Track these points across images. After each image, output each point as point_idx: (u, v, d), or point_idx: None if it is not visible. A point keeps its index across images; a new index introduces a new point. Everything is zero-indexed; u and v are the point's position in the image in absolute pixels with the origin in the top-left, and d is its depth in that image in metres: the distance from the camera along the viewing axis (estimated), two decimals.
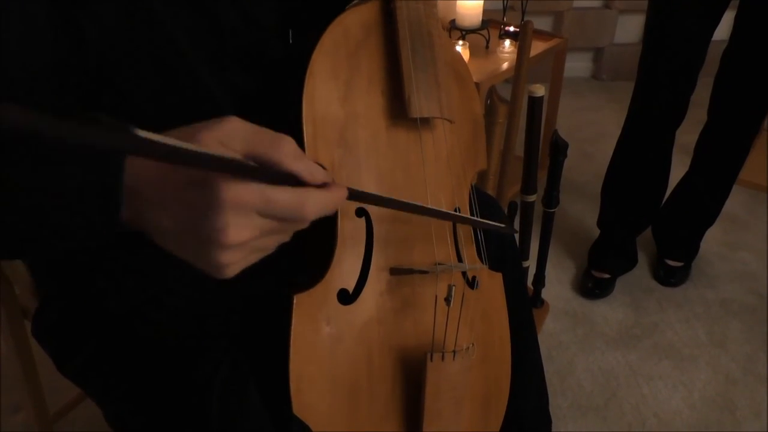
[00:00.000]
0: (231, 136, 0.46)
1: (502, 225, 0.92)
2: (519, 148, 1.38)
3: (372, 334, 0.77)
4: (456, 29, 1.92)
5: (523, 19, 2.04)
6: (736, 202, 2.29)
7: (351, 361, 0.76)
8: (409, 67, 0.78)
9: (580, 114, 2.94)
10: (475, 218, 0.86)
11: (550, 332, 1.73)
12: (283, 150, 0.46)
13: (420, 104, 0.79)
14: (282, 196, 0.46)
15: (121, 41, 0.67)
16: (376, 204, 0.74)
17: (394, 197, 0.68)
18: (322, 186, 0.49)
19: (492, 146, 1.24)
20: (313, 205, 0.47)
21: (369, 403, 0.77)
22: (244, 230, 0.46)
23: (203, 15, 0.74)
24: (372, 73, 0.80)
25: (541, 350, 1.11)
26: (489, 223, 0.86)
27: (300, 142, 0.75)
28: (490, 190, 1.37)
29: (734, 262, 2.02)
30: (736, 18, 1.54)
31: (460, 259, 0.85)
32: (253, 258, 0.49)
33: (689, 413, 1.52)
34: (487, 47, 1.95)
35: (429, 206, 0.75)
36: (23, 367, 1.16)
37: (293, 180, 0.47)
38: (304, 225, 0.49)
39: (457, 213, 0.85)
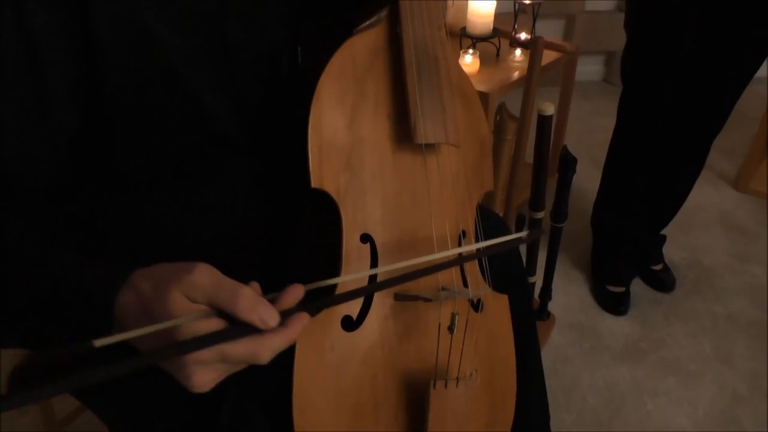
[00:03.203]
0: (195, 289, 0.55)
1: (513, 238, 0.90)
2: (529, 155, 1.37)
3: (375, 360, 0.77)
4: (467, 37, 1.91)
5: (534, 27, 2.02)
6: (744, 212, 2.28)
7: (354, 385, 0.76)
8: (415, 93, 0.78)
9: (591, 118, 2.92)
10: (485, 247, 0.83)
11: (556, 345, 1.73)
12: (239, 305, 0.54)
13: (425, 130, 0.78)
14: (237, 350, 0.54)
15: (130, 75, 0.68)
16: (373, 291, 0.76)
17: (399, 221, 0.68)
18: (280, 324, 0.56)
19: (501, 162, 1.24)
20: (266, 350, 0.55)
21: (372, 428, 0.77)
22: (208, 374, 0.55)
23: (211, 38, 0.74)
24: (378, 97, 0.79)
25: (547, 364, 1.11)
26: (500, 242, 0.83)
27: (305, 167, 0.75)
28: (499, 204, 1.37)
29: (743, 274, 2.00)
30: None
31: (465, 283, 0.85)
32: (223, 376, 0.58)
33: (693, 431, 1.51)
34: (497, 55, 1.94)
35: (435, 260, 0.73)
36: None
37: (249, 328, 0.55)
38: (265, 362, 0.57)
39: (465, 244, 0.85)
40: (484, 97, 1.76)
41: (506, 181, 1.28)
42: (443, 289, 0.81)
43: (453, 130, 0.81)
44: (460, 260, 0.82)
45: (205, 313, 0.55)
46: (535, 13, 1.98)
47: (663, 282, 1.91)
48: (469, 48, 1.87)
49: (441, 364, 0.80)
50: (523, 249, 1.47)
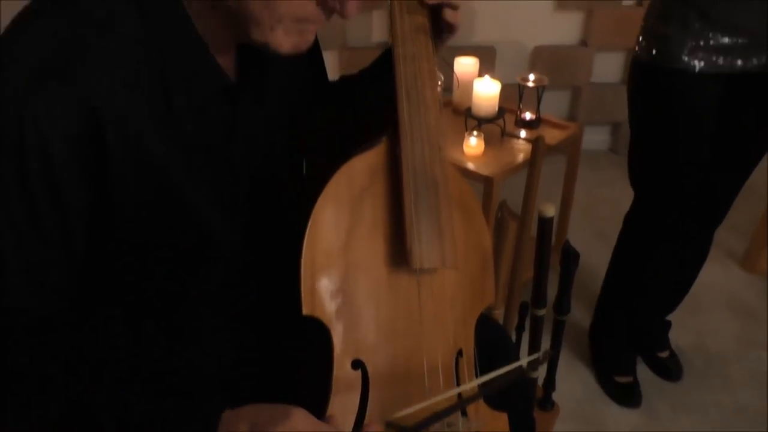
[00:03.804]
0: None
1: (513, 369, 0.88)
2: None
3: None
4: (472, 118, 1.92)
5: (539, 107, 2.03)
6: (753, 293, 2.24)
7: None
8: (412, 217, 0.77)
9: (598, 190, 2.91)
10: (484, 383, 0.81)
11: None
12: None
13: (422, 255, 0.77)
14: None
15: (138, 203, 0.70)
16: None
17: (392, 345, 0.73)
18: None
19: (502, 259, 1.22)
20: None
21: None
22: None
23: (218, 166, 0.77)
24: (376, 218, 0.78)
25: None
26: (499, 374, 0.81)
27: (298, 293, 0.74)
28: (500, 300, 1.35)
29: (752, 362, 1.96)
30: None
31: (463, 412, 0.82)
32: None
33: None
34: (502, 136, 1.94)
35: (442, 406, 0.72)
36: None
37: None
38: None
39: (462, 364, 0.83)
40: (488, 181, 1.76)
41: (508, 277, 1.26)
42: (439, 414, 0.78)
43: (450, 254, 0.79)
44: (461, 404, 0.79)
45: None
46: (539, 95, 1.99)
47: (669, 370, 1.87)
48: (473, 129, 1.87)
49: None
50: (525, 340, 1.44)
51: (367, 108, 0.93)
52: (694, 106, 1.42)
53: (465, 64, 2.07)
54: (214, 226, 0.77)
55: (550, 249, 1.22)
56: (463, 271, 0.85)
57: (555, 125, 2.06)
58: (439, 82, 1.86)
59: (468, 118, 1.93)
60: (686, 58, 1.35)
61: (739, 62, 1.35)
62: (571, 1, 2.78)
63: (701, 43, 1.33)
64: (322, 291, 0.74)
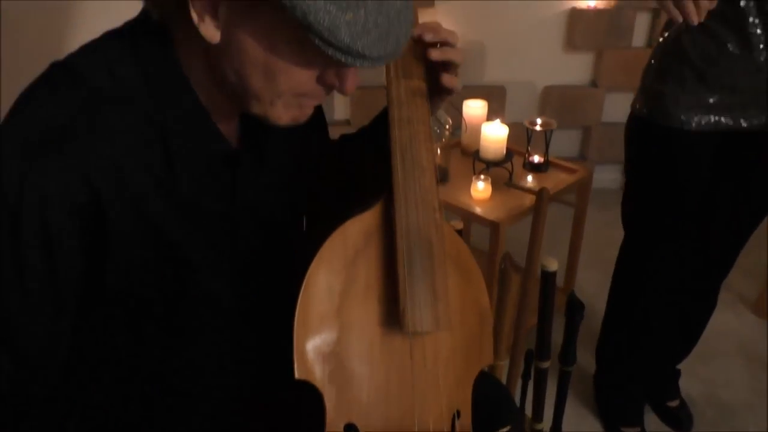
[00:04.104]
0: None
1: None
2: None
3: None
4: (480, 161, 1.92)
5: (547, 150, 2.03)
6: (766, 340, 2.19)
7: None
8: (405, 280, 0.77)
9: (608, 230, 2.88)
10: None
11: None
12: None
13: (414, 319, 0.77)
14: None
15: (138, 266, 0.71)
16: None
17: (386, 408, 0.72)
18: None
19: (505, 312, 1.21)
20: None
21: None
22: None
23: (220, 232, 0.78)
24: (369, 280, 0.78)
25: None
26: None
27: (291, 358, 0.74)
28: (504, 350, 1.33)
29: (764, 414, 1.91)
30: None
31: None
32: None
33: None
34: (510, 179, 1.94)
35: None
36: None
37: None
38: None
39: (460, 424, 0.82)
40: (494, 226, 1.75)
41: (510, 330, 1.25)
42: None
43: (444, 317, 0.79)
44: None
45: None
46: (547, 138, 1.99)
47: (680, 421, 1.83)
48: (481, 173, 1.87)
49: None
50: (529, 391, 1.42)
51: (365, 167, 0.93)
52: (690, 163, 1.42)
53: (474, 107, 2.08)
54: (211, 285, 0.78)
55: (554, 303, 1.21)
56: (458, 332, 0.84)
57: (564, 169, 2.06)
58: (447, 126, 1.88)
59: (476, 161, 1.93)
60: (682, 117, 1.35)
61: (740, 121, 1.34)
62: (580, 43, 2.80)
63: (697, 101, 1.33)
64: (315, 355, 0.74)
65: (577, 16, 2.74)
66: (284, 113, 0.71)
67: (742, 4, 1.20)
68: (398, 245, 0.77)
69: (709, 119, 1.34)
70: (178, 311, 0.77)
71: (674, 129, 1.36)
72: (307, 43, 0.61)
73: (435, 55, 0.82)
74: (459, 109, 2.06)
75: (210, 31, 0.64)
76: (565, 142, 3.04)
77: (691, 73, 1.32)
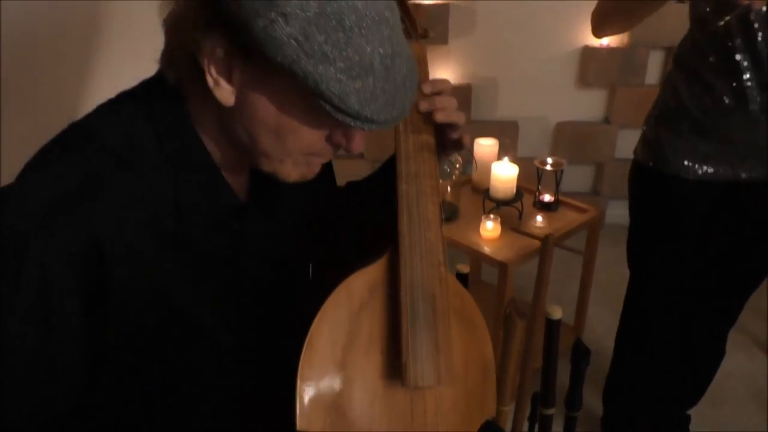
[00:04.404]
0: None
1: None
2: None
3: None
4: (489, 200, 1.93)
5: (558, 189, 2.04)
6: None
7: None
8: (407, 335, 0.78)
9: (619, 267, 2.83)
10: None
11: None
12: None
13: (416, 374, 0.77)
14: None
15: (141, 319, 0.72)
16: None
17: None
18: None
19: (510, 358, 1.21)
20: None
21: None
22: None
23: (225, 281, 0.79)
24: (373, 332, 0.79)
25: None
26: None
27: (293, 410, 0.74)
28: (509, 396, 1.33)
29: None
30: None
31: None
32: None
33: None
34: (520, 219, 1.95)
35: None
36: None
37: None
38: None
39: None
40: (502, 266, 1.76)
41: (515, 374, 1.25)
42: None
43: (446, 372, 0.79)
44: None
45: None
46: (557, 178, 2.00)
47: None
48: (491, 212, 1.88)
49: None
50: None
51: (373, 215, 0.95)
52: (689, 212, 1.42)
53: (484, 145, 2.10)
54: (217, 335, 0.79)
55: (558, 351, 1.21)
56: (461, 385, 0.85)
57: (575, 208, 2.06)
58: (457, 165, 1.89)
59: (486, 199, 1.94)
60: (681, 165, 1.36)
61: (739, 173, 1.34)
62: (593, 80, 2.82)
63: (696, 151, 1.33)
64: (317, 407, 0.75)
65: (589, 54, 2.77)
66: (293, 171, 0.73)
67: (737, 57, 1.21)
68: (402, 299, 0.78)
69: (708, 169, 1.34)
70: (180, 359, 0.78)
71: (673, 177, 1.37)
72: (318, 107, 0.63)
73: (440, 117, 0.84)
74: (470, 148, 2.08)
75: (224, 95, 0.66)
76: (578, 178, 3.05)
77: (689, 124, 1.33)
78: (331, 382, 0.76)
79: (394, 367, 0.78)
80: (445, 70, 2.82)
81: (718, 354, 1.69)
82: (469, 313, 0.88)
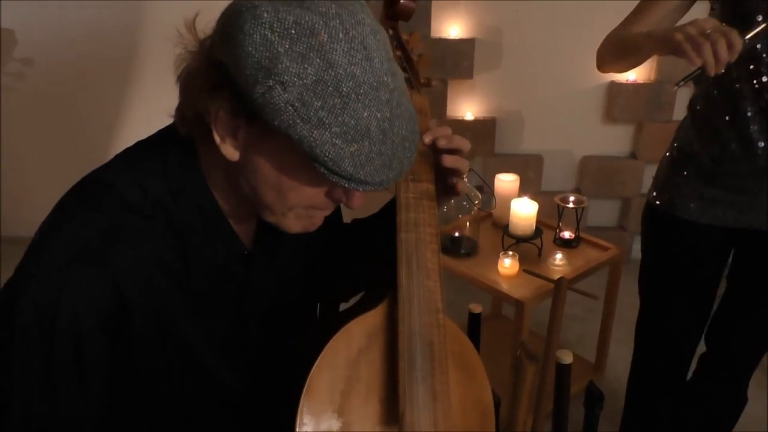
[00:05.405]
0: None
1: None
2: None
3: None
4: (509, 236, 1.93)
5: (578, 227, 2.03)
6: None
7: None
8: (405, 382, 0.78)
9: None
10: None
11: None
12: None
13: (413, 421, 0.78)
14: None
15: (153, 361, 0.76)
16: None
17: None
18: None
19: (520, 402, 1.20)
20: None
21: None
22: None
23: (232, 323, 0.82)
24: (371, 379, 0.80)
25: None
26: None
27: None
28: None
29: None
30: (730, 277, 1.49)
31: None
32: None
33: None
34: (539, 256, 1.95)
35: None
36: None
37: None
38: None
39: None
40: (518, 305, 1.75)
41: (524, 417, 1.24)
42: None
43: (443, 420, 0.80)
44: None
45: None
46: (578, 216, 2.00)
47: None
48: (509, 248, 1.88)
49: None
50: None
51: (376, 253, 0.97)
52: (696, 255, 1.42)
53: (505, 180, 2.10)
54: (221, 376, 0.82)
55: (569, 396, 1.20)
56: (462, 427, 0.85)
57: (595, 245, 2.05)
58: (476, 201, 1.90)
59: (505, 235, 1.94)
60: (689, 208, 1.37)
61: (748, 219, 1.34)
62: (619, 115, 2.81)
63: (704, 195, 1.35)
64: None
65: (615, 89, 2.76)
66: (295, 223, 0.75)
67: (746, 108, 1.22)
68: (400, 347, 0.79)
69: (716, 213, 1.35)
70: (183, 399, 0.81)
71: (681, 219, 1.39)
72: (315, 168, 0.66)
73: (448, 162, 0.85)
74: (490, 187, 2.09)
75: (230, 151, 0.69)
76: (605, 212, 3.02)
77: (698, 169, 1.35)
78: (329, 428, 0.77)
79: (392, 415, 0.79)
80: (470, 104, 2.85)
81: (739, 401, 1.65)
82: (467, 359, 0.89)
